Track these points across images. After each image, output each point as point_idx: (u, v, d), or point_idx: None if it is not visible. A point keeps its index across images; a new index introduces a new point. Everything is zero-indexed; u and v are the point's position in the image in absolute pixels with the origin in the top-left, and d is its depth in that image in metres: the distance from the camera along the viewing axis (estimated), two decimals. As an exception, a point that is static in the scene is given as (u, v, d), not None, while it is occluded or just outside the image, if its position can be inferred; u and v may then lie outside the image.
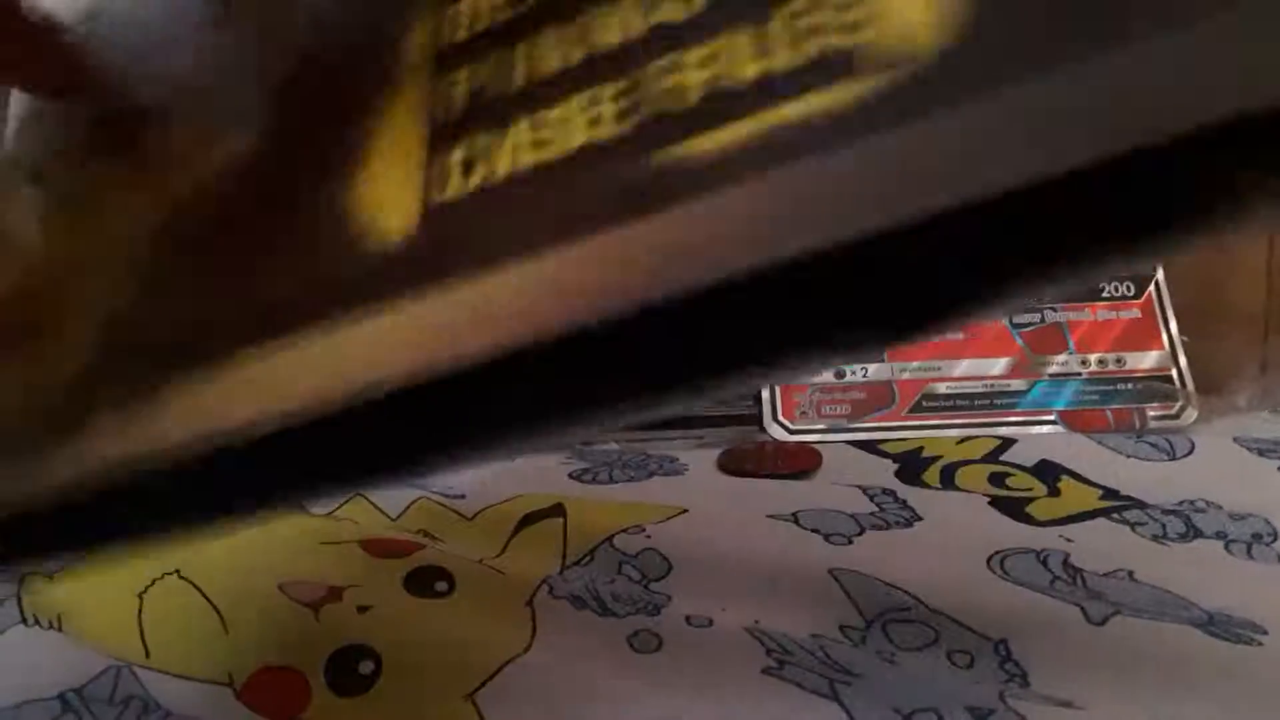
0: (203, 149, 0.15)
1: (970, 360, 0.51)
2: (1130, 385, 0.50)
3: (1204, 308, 0.54)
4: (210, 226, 0.15)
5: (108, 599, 0.34)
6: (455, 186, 0.12)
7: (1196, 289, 0.54)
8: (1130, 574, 0.35)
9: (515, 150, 0.12)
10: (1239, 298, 0.56)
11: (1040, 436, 0.49)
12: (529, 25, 0.13)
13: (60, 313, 0.16)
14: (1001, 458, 0.47)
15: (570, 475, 0.46)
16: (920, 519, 0.40)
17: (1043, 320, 0.51)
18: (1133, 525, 0.39)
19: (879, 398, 0.51)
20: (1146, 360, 0.50)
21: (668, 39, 0.12)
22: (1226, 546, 0.38)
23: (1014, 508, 0.41)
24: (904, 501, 0.42)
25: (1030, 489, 0.43)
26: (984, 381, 0.51)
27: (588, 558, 0.37)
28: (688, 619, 0.33)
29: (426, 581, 0.35)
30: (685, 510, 0.41)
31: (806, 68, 0.10)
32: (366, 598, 0.34)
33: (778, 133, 0.10)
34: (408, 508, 0.42)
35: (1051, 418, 0.50)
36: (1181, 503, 0.41)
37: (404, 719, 0.29)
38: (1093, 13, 0.09)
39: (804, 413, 0.51)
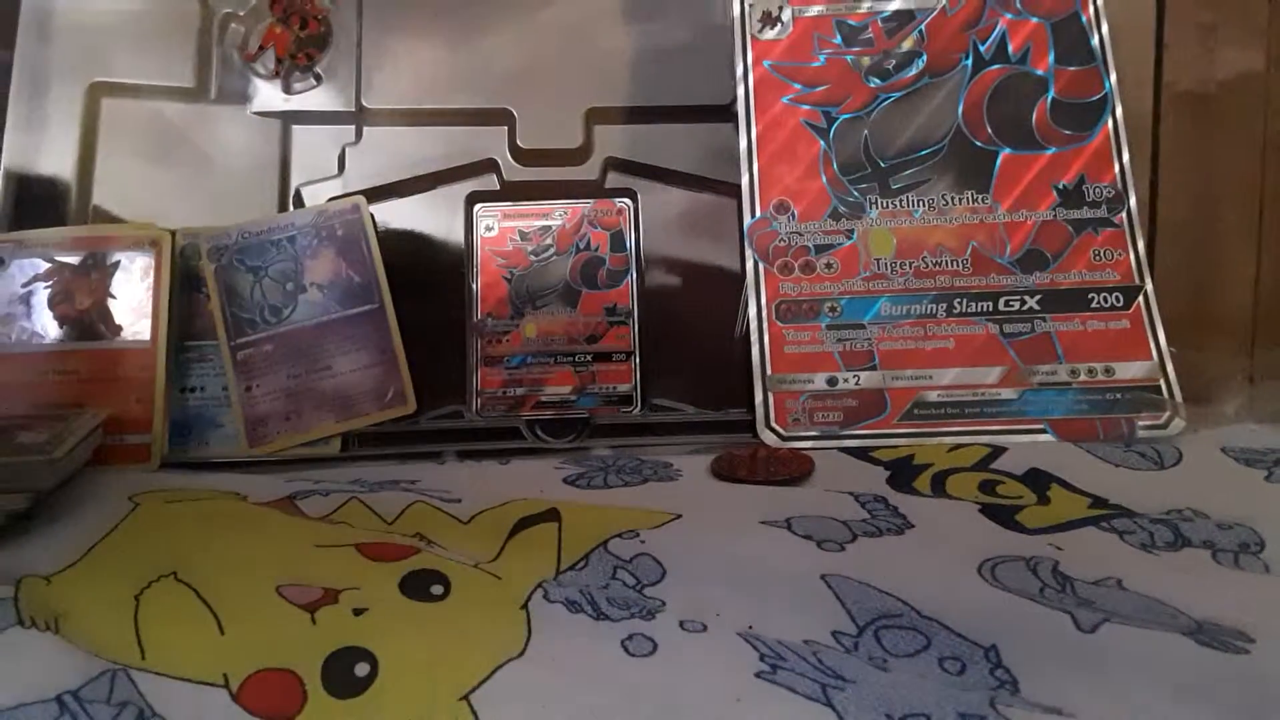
0: None
1: (961, 369, 0.51)
2: (1119, 395, 0.50)
3: (1192, 319, 0.55)
4: None
5: (105, 601, 0.34)
6: None
7: (1185, 301, 0.55)
8: (1119, 582, 0.36)
9: None
10: (1227, 309, 0.57)
11: (1030, 445, 0.49)
12: None
13: None
14: (992, 466, 0.47)
15: (565, 480, 0.46)
16: (911, 526, 0.40)
17: (1033, 330, 0.52)
18: (1121, 534, 0.40)
19: (871, 405, 0.51)
20: (1135, 370, 0.51)
21: None
22: (1214, 555, 0.38)
23: (1004, 515, 0.41)
24: (895, 508, 0.42)
25: (1020, 497, 0.44)
26: (975, 390, 0.51)
27: (582, 562, 0.37)
28: (682, 624, 0.33)
29: (422, 585, 0.35)
30: (679, 516, 0.41)
31: None
32: (363, 601, 0.34)
33: None
34: (403, 511, 0.42)
35: (1041, 427, 0.50)
36: (1169, 512, 0.41)
37: (400, 721, 0.29)
38: None
39: (797, 420, 0.51)
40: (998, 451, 0.48)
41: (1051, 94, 0.54)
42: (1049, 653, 0.31)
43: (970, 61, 0.55)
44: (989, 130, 0.54)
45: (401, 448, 0.52)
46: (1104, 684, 0.30)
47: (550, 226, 0.55)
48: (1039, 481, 0.45)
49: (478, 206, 0.56)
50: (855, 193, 0.54)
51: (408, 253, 0.55)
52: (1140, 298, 0.52)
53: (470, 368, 0.53)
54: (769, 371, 0.52)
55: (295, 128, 0.57)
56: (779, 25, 0.57)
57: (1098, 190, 0.53)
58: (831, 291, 0.53)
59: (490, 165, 0.56)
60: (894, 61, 0.56)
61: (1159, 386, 0.50)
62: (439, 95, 0.57)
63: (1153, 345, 0.51)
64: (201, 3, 0.58)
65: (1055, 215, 0.53)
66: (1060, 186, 0.53)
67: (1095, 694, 0.29)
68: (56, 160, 0.55)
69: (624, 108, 0.57)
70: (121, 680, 0.30)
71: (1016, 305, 0.52)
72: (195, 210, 0.55)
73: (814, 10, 0.57)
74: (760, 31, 0.56)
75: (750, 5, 0.57)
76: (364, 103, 0.57)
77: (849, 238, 0.53)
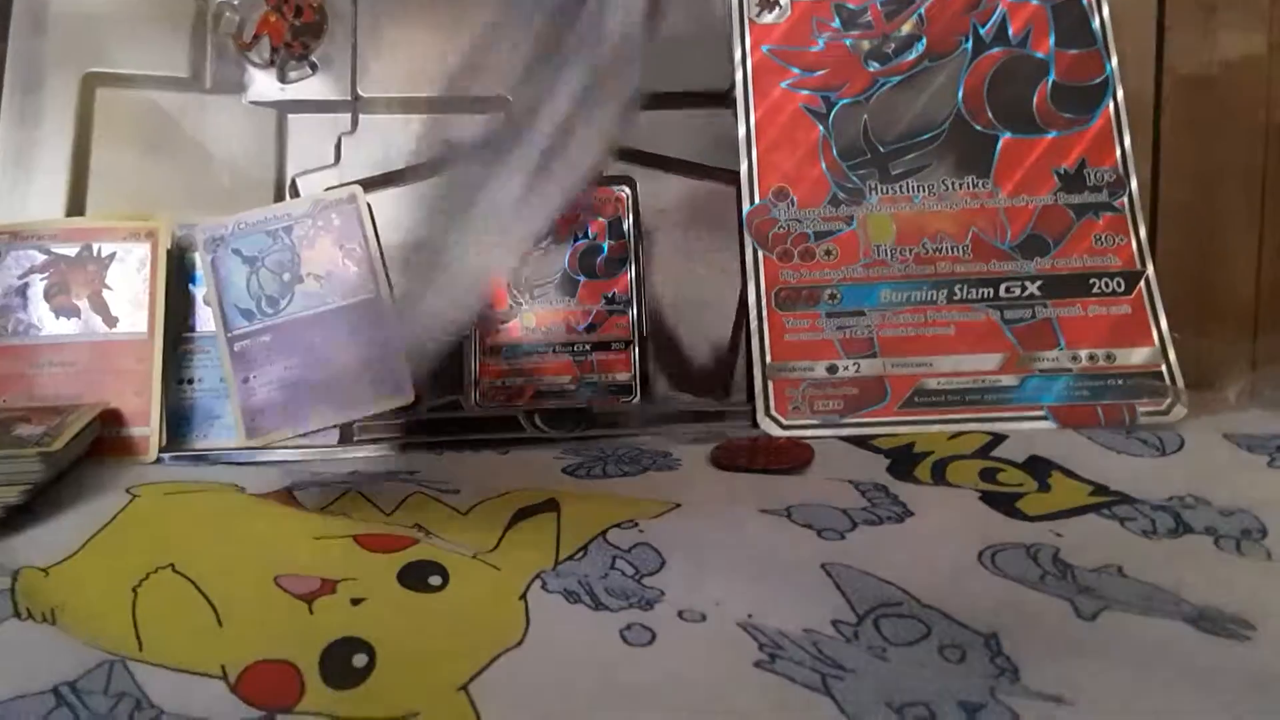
0: None
1: (962, 356, 0.51)
2: (1120, 381, 0.50)
3: (1194, 304, 0.55)
4: None
5: (102, 593, 0.34)
6: None
7: (1187, 286, 0.55)
8: (1120, 569, 0.35)
9: None
10: (1229, 295, 0.56)
11: (1031, 432, 0.49)
12: None
13: None
14: (992, 453, 0.47)
15: (564, 470, 0.46)
16: (912, 514, 0.40)
17: (1034, 316, 0.51)
18: (1122, 520, 0.39)
19: (871, 393, 0.51)
20: (1137, 356, 0.50)
21: None
22: (1216, 542, 0.38)
23: (1005, 503, 0.41)
24: (895, 496, 0.42)
25: (1021, 484, 0.44)
26: (975, 377, 0.51)
27: (581, 552, 0.37)
28: (680, 614, 0.33)
29: (420, 575, 0.35)
30: (678, 505, 0.41)
31: None
32: (360, 591, 0.34)
33: None
34: (402, 502, 0.42)
35: (1042, 413, 0.50)
36: (1171, 498, 0.41)
37: (397, 710, 0.29)
38: None
39: (797, 408, 0.51)
40: (998, 439, 0.48)
41: (1052, 77, 0.54)
42: (1050, 641, 0.31)
43: (970, 45, 0.55)
44: (989, 114, 0.54)
45: (400, 438, 0.52)
46: (1105, 672, 0.30)
47: (548, 215, 0.55)
48: (1040, 468, 0.45)
49: (475, 195, 0.55)
50: (855, 179, 0.54)
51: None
52: (1142, 283, 0.52)
53: (468, 357, 0.53)
54: (769, 359, 0.52)
55: (291, 117, 0.56)
56: (777, 9, 0.56)
57: (1099, 174, 0.53)
58: (831, 279, 0.53)
59: (487, 153, 0.56)
60: (893, 45, 0.55)
61: (1160, 372, 0.50)
62: (435, 84, 0.56)
63: (1154, 331, 0.51)
64: (196, -9, 0.57)
65: (1056, 200, 0.53)
66: (1061, 171, 0.53)
67: (1096, 682, 0.29)
68: (51, 151, 0.55)
69: (622, 95, 0.56)
70: (119, 671, 0.30)
71: (1017, 291, 0.52)
72: (191, 201, 0.54)
73: (812, -5, 0.56)
74: (758, 15, 0.56)
75: (748, -10, 0.56)
76: (360, 91, 0.56)
77: (849, 224, 0.53)
